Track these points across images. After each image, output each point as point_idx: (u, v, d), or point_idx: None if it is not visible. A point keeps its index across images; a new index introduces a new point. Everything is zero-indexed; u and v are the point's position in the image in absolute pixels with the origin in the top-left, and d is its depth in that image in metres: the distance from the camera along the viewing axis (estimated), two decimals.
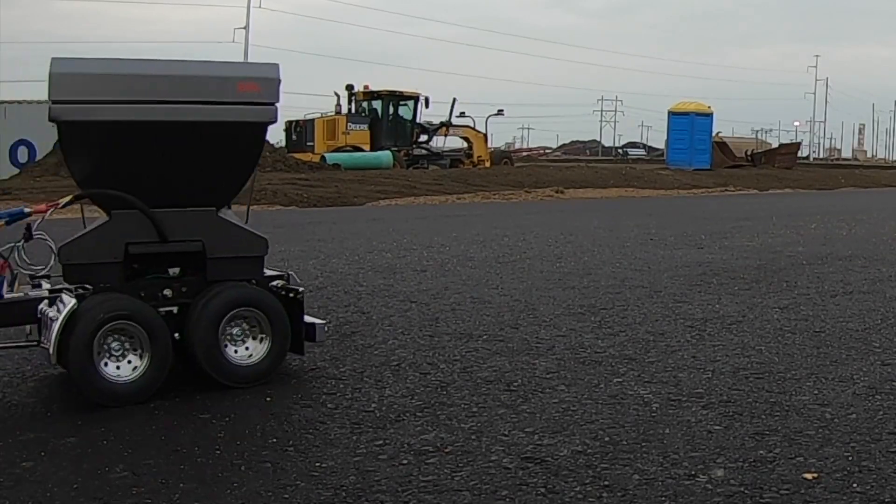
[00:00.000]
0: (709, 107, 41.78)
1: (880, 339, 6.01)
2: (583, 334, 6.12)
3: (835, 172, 43.49)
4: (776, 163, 43.61)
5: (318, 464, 3.64)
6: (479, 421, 4.20)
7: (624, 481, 3.45)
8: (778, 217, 17.24)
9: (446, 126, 37.76)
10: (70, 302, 4.34)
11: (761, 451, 3.78)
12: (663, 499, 3.30)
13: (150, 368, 4.48)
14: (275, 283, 5.07)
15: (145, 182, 4.70)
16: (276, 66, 4.89)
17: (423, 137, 37.81)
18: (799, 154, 52.12)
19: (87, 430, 4.06)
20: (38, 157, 29.74)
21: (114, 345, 4.46)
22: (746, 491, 3.36)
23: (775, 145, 58.08)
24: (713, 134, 42.08)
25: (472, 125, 38.42)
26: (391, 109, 36.92)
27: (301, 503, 3.28)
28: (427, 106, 37.40)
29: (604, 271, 9.23)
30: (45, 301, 4.50)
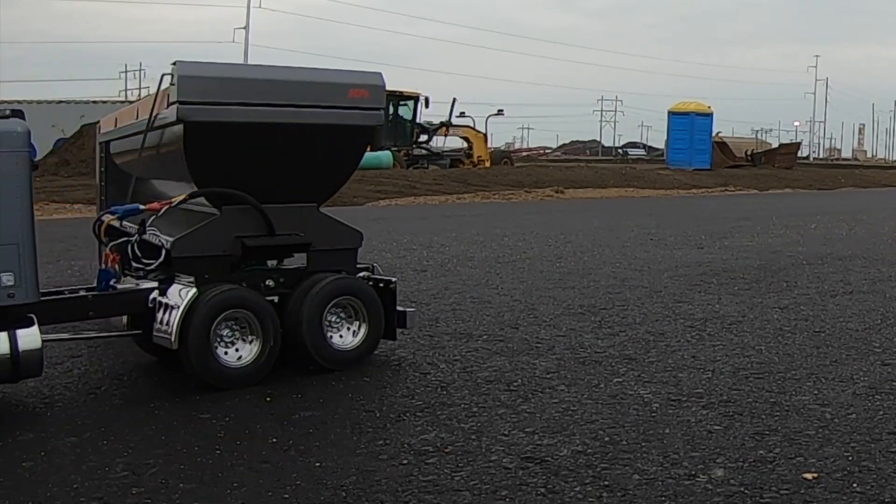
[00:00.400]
0: (709, 107, 41.77)
1: (880, 339, 6.01)
2: (583, 334, 6.12)
3: (835, 172, 43.48)
4: (776, 163, 43.60)
5: (318, 464, 3.64)
6: (479, 421, 4.20)
7: (624, 481, 3.45)
8: (778, 217, 17.24)
9: (446, 126, 37.72)
10: (190, 291, 4.61)
11: (761, 451, 3.78)
12: (663, 499, 3.30)
13: (261, 354, 4.79)
14: (361, 274, 5.39)
15: (257, 179, 4.99)
16: (379, 74, 5.27)
17: (423, 137, 37.77)
18: (799, 154, 52.08)
19: (87, 430, 4.06)
20: (38, 157, 29.72)
21: (225, 331, 4.74)
22: (746, 491, 3.36)
23: (775, 145, 58.06)
24: (713, 134, 42.05)
25: (472, 125, 38.40)
26: (391, 109, 36.82)
27: (301, 503, 3.28)
28: (427, 106, 37.33)
29: (604, 271, 9.23)
30: (156, 291, 4.75)
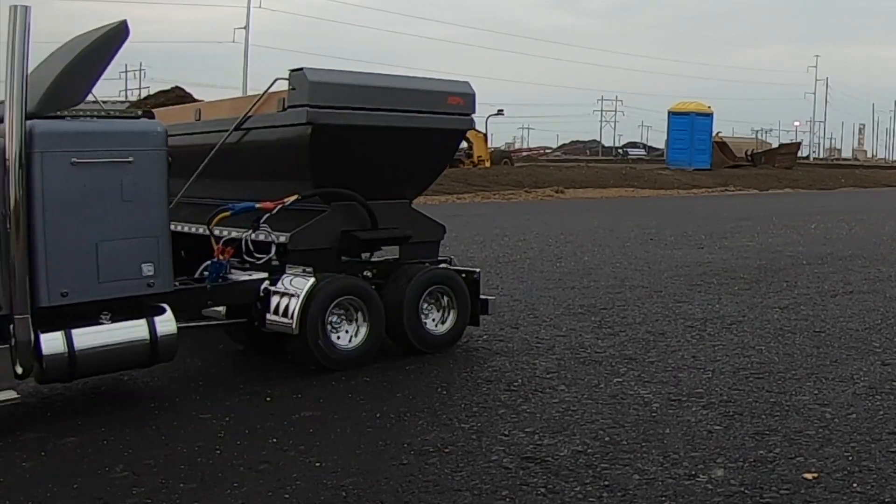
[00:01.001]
0: (709, 107, 41.74)
1: (880, 339, 6.01)
2: (583, 334, 6.13)
3: (835, 172, 43.48)
4: (776, 163, 43.59)
5: (318, 464, 3.64)
6: (479, 421, 4.20)
7: (624, 481, 3.45)
8: (778, 217, 17.24)
9: None
10: (310, 280, 4.98)
11: (761, 451, 3.78)
12: (663, 499, 3.30)
13: (369, 338, 5.20)
14: (441, 265, 5.82)
15: (363, 178, 5.44)
16: (468, 83, 5.86)
17: None
18: (799, 154, 52.03)
19: (87, 430, 4.07)
20: None
21: (333, 318, 5.10)
22: (746, 491, 3.36)
23: (775, 145, 58.00)
24: (713, 134, 42.03)
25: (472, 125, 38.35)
26: None
27: (301, 503, 3.28)
28: None
29: (604, 271, 9.23)
30: (267, 281, 5.10)
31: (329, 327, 5.01)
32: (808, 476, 3.49)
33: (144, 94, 46.83)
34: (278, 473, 3.53)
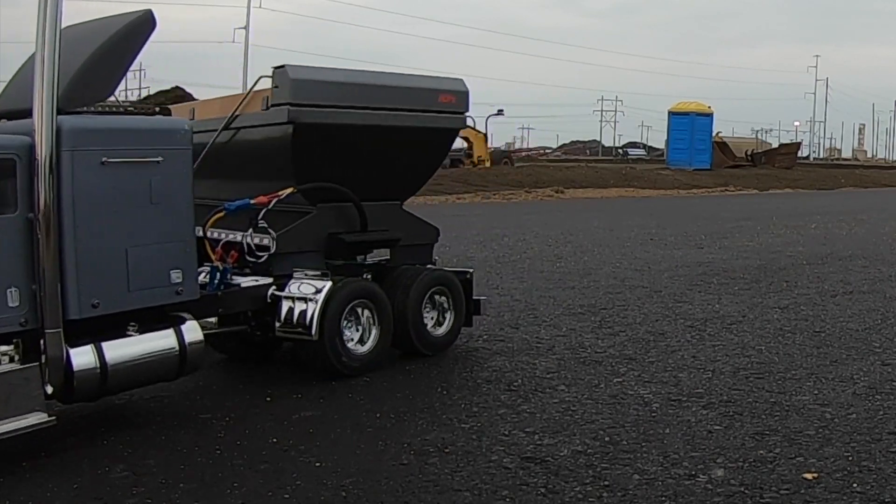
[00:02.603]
0: (709, 107, 41.71)
1: (880, 339, 6.02)
2: (583, 334, 6.13)
3: (835, 172, 43.46)
4: (776, 163, 43.56)
5: (318, 464, 3.65)
6: (480, 421, 4.20)
7: (624, 481, 3.46)
8: (778, 217, 17.23)
9: None
10: (327, 283, 4.81)
11: (761, 451, 3.78)
12: (663, 499, 3.30)
13: (381, 341, 5.07)
14: (429, 266, 5.72)
15: (349, 178, 5.26)
16: (462, 80, 5.73)
17: None
18: (799, 154, 52.00)
19: (87, 430, 4.07)
20: None
21: (345, 322, 4.94)
22: (746, 491, 3.36)
23: (775, 145, 57.97)
24: (713, 134, 41.99)
25: (472, 125, 38.34)
26: None
27: (301, 503, 3.28)
28: None
29: (604, 271, 9.23)
30: (273, 287, 4.87)
31: (345, 332, 4.85)
32: (808, 476, 3.50)
33: (144, 94, 46.78)
34: (278, 473, 3.53)
